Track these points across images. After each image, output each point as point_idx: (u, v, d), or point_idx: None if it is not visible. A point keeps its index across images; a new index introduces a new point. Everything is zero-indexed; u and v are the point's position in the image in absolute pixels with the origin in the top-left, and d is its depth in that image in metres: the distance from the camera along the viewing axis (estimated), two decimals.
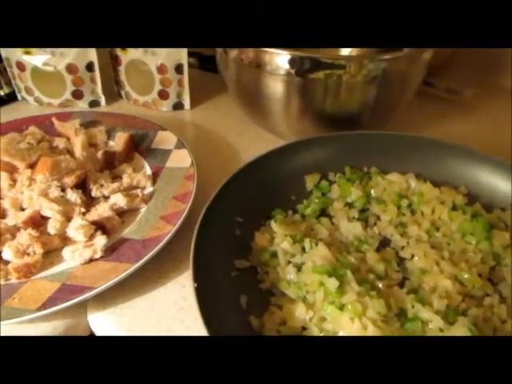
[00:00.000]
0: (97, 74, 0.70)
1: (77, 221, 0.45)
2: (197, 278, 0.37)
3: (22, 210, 0.48)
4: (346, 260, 0.42)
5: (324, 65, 0.53)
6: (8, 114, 0.71)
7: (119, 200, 0.49)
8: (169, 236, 0.44)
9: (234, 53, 0.57)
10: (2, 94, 0.73)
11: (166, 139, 0.60)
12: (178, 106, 0.72)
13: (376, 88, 0.55)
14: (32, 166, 0.49)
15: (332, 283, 0.39)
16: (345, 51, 0.69)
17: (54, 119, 0.61)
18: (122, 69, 0.72)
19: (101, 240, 0.44)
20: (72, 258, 0.43)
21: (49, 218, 0.47)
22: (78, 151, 0.52)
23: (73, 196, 0.48)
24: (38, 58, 0.68)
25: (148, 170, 0.56)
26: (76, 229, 0.45)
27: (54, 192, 0.48)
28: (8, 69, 0.71)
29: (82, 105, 0.72)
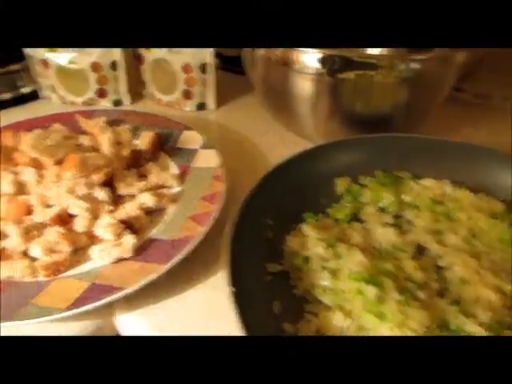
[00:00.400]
0: (121, 72, 0.70)
1: (105, 219, 0.44)
2: (233, 282, 0.35)
3: (49, 206, 0.47)
4: (383, 267, 0.41)
5: (355, 64, 0.51)
6: (30, 111, 0.70)
7: (147, 199, 0.48)
8: (200, 237, 0.43)
9: (261, 51, 0.56)
10: (24, 92, 0.73)
11: (191, 139, 0.59)
12: (202, 106, 0.72)
13: (408, 89, 0.53)
14: (59, 163, 0.48)
15: (371, 291, 0.38)
16: (375, 51, 0.68)
17: (78, 116, 0.60)
18: (145, 68, 0.71)
19: (129, 239, 0.43)
20: (100, 257, 0.42)
21: (75, 215, 0.46)
22: (106, 149, 0.51)
23: (100, 194, 0.47)
24: (62, 56, 0.68)
25: (175, 170, 0.55)
26: (104, 227, 0.44)
27: (82, 189, 0.47)
28: (31, 67, 0.71)
29: (106, 103, 0.72)
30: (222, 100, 0.73)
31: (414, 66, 0.51)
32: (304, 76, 0.53)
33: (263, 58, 0.56)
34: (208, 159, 0.55)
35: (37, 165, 0.49)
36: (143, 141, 0.57)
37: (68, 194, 0.46)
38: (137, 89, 0.74)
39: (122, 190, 0.49)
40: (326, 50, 0.51)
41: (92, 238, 0.44)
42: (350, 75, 0.52)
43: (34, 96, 0.74)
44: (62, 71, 0.69)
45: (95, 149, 0.53)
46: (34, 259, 0.42)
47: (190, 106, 0.71)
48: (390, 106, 0.56)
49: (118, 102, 0.72)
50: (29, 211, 0.46)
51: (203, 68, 0.68)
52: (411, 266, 0.42)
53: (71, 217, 0.46)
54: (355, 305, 0.38)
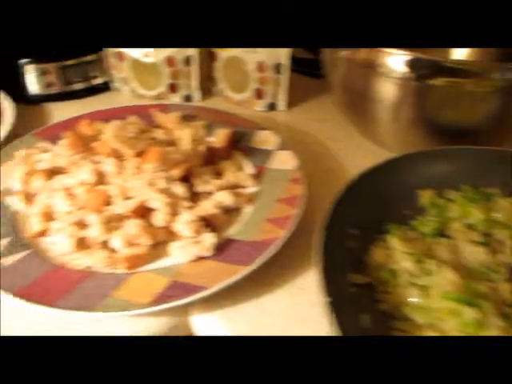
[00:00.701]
0: (194, 68, 0.69)
1: (185, 215, 0.43)
2: (326, 291, 0.34)
3: (128, 198, 0.46)
4: (478, 288, 0.38)
5: (446, 70, 0.49)
6: (102, 102, 0.71)
7: (225, 197, 0.47)
8: (283, 240, 0.41)
9: (344, 52, 0.54)
10: (97, 83, 0.74)
11: (266, 139, 0.58)
12: (273, 106, 0.70)
13: (502, 100, 0.50)
14: (139, 155, 0.48)
15: (469, 313, 0.35)
16: (460, 55, 0.65)
17: (153, 110, 0.60)
18: (218, 65, 0.70)
19: (209, 238, 0.42)
20: (180, 254, 0.42)
21: (154, 209, 0.45)
22: (184, 144, 0.50)
23: (179, 189, 0.46)
24: (138, 49, 0.68)
25: (250, 169, 0.54)
26: (184, 223, 0.43)
27: (161, 183, 0.46)
28: (105, 58, 0.71)
29: (176, 99, 0.71)
30: (293, 102, 0.71)
31: (510, 74, 0.48)
32: (389, 80, 0.51)
33: (346, 58, 0.54)
34: (284, 161, 0.53)
35: (117, 155, 0.48)
36: (218, 138, 0.56)
37: (148, 187, 0.45)
38: (206, 85, 0.74)
39: (199, 187, 0.48)
40: (414, 53, 0.49)
41: (171, 234, 0.44)
42: (439, 82, 0.49)
43: (105, 87, 0.74)
44: (136, 64, 0.69)
45: (170, 143, 0.53)
46: (113, 250, 0.42)
47: (260, 106, 0.70)
48: (480, 117, 0.53)
49: (188, 98, 0.72)
50: (108, 202, 0.46)
51: (277, 68, 0.67)
52: (507, 290, 0.39)
53: (150, 210, 0.45)
54: (449, 325, 0.35)
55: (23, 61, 0.68)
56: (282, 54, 0.66)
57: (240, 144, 0.57)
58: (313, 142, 0.63)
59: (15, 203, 0.47)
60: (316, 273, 0.35)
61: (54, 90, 0.70)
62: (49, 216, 0.45)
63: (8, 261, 0.40)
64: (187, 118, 0.61)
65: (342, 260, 0.40)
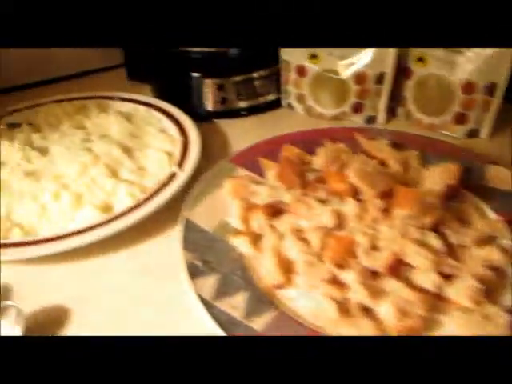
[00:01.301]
0: (386, 86, 0.61)
1: (464, 279, 0.35)
2: None
3: (374, 249, 0.39)
4: None
5: None
6: (272, 121, 0.65)
7: (495, 254, 0.38)
8: None
9: None
10: (267, 100, 0.67)
11: (502, 177, 0.48)
12: (474, 133, 0.60)
13: None
14: (381, 196, 0.40)
15: None
16: None
17: (357, 135, 0.53)
18: (411, 83, 0.62)
19: (499, 313, 0.33)
20: (460, 327, 0.33)
21: (409, 266, 0.37)
22: (434, 183, 0.42)
23: (434, 241, 0.38)
24: (323, 63, 0.61)
25: (492, 215, 0.44)
26: (461, 288, 0.34)
27: (414, 234, 0.38)
28: (283, 73, 0.65)
29: (358, 120, 0.64)
30: (495, 129, 0.61)
31: None
32: None
33: None
34: None
35: (353, 194, 0.41)
36: (445, 174, 0.47)
37: (405, 239, 0.37)
38: (391, 106, 0.65)
39: (453, 237, 0.40)
40: None
41: (442, 301, 0.35)
42: None
43: (274, 104, 0.68)
44: (318, 79, 0.62)
45: (410, 182, 0.45)
46: (377, 318, 0.34)
47: (459, 132, 0.60)
48: None
49: (371, 120, 0.64)
50: (352, 252, 0.38)
51: (490, 90, 0.57)
52: None
53: (404, 267, 0.37)
54: None
55: (198, 75, 0.63)
56: (498, 74, 0.56)
57: (469, 182, 0.48)
58: None
59: (242, 245, 0.40)
60: None
61: (226, 107, 0.65)
62: (287, 265, 0.38)
63: (259, 323, 0.34)
64: (394, 146, 0.53)
65: None
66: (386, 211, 0.39)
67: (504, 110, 0.62)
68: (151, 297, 0.39)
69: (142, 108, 0.63)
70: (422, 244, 0.38)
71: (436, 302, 0.35)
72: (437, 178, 0.42)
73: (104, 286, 0.40)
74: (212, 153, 0.56)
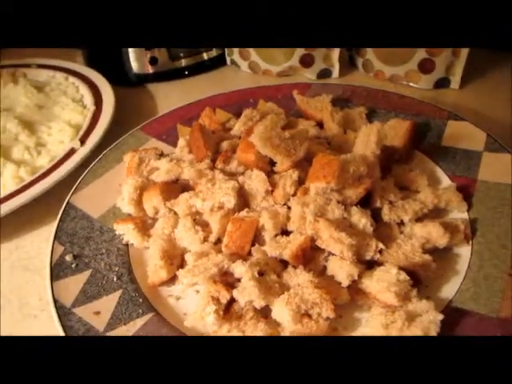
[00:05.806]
0: None
1: (388, 269, 0.27)
2: None
3: (284, 231, 0.31)
4: None
5: None
6: (214, 82, 0.57)
7: (435, 233, 0.30)
8: None
9: None
10: (206, 57, 0.59)
11: (463, 134, 0.39)
12: (443, 83, 0.51)
13: None
14: (295, 166, 0.32)
15: None
16: None
17: (296, 93, 0.44)
18: None
19: (431, 314, 0.26)
20: (380, 329, 0.26)
21: (324, 253, 0.30)
22: (362, 148, 0.34)
23: (363, 221, 0.30)
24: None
25: (446, 181, 0.36)
26: (386, 284, 0.27)
27: (335, 211, 0.30)
28: None
29: (309, 75, 0.55)
30: (467, 78, 0.51)
31: None
32: None
33: None
34: (503, 171, 0.35)
35: (263, 166, 0.33)
36: (393, 133, 0.39)
37: (320, 220, 0.29)
38: (345, 57, 0.56)
39: (387, 214, 0.32)
40: None
41: (362, 297, 0.28)
42: None
43: (218, 62, 0.59)
44: None
45: (336, 146, 0.37)
46: (275, 323, 0.27)
47: (425, 83, 0.51)
48: None
49: (323, 74, 0.55)
50: (260, 239, 0.31)
51: None
52: None
53: (317, 253, 0.30)
54: None
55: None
56: None
57: (423, 142, 0.40)
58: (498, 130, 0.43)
59: (127, 233, 0.33)
60: None
61: (158, 69, 0.56)
62: (173, 256, 0.31)
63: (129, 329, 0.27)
64: (339, 103, 0.44)
65: None
66: (302, 185, 0.32)
67: (479, 57, 0.52)
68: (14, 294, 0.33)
69: (60, 75, 0.55)
70: (344, 224, 0.30)
71: (354, 296, 0.28)
72: (370, 141, 0.33)
73: None
74: (133, 122, 0.48)
